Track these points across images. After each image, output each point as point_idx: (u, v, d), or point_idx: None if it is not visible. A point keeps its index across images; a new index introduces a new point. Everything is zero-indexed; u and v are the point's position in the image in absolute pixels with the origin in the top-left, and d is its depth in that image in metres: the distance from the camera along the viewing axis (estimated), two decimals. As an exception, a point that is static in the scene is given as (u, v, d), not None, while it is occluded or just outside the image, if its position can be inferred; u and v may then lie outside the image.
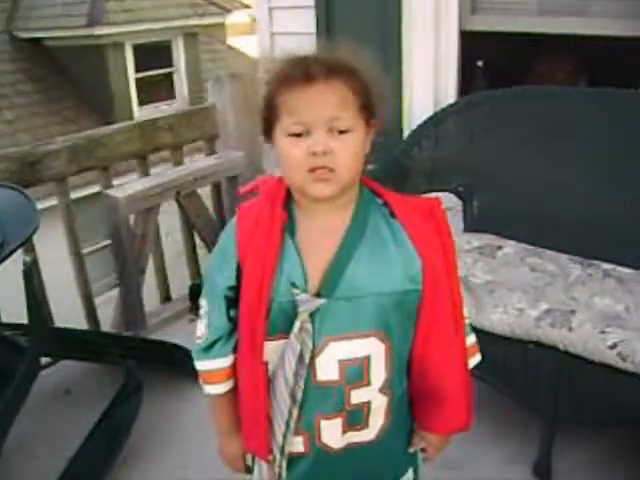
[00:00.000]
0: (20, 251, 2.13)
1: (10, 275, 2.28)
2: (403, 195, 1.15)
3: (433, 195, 1.35)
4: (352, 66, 1.05)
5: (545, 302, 1.95)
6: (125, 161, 3.18)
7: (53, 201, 2.92)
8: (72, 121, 8.91)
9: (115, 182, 3.02)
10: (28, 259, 2.36)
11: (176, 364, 2.48)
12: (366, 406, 1.13)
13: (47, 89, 9.20)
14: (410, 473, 1.27)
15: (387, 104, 1.10)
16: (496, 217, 2.48)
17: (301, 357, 1.07)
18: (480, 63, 3.57)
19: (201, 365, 1.21)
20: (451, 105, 2.72)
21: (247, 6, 11.39)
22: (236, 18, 12.08)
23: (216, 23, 10.93)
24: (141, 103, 9.72)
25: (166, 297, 3.40)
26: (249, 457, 1.28)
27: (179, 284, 3.49)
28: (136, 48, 9.55)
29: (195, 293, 3.24)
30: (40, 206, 2.26)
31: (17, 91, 8.88)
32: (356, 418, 1.14)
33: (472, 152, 2.55)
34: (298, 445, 1.15)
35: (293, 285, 1.07)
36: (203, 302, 1.19)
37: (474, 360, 1.22)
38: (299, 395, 1.09)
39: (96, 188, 3.13)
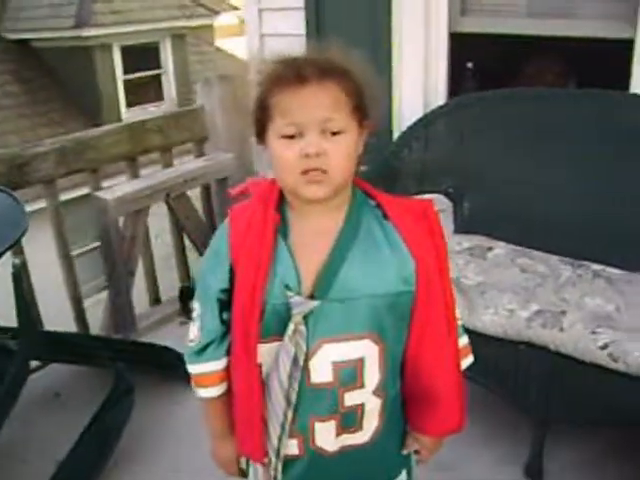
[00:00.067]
0: (9, 254, 2.11)
1: (-1, 278, 2.27)
2: (396, 196, 1.15)
3: (423, 197, 1.35)
4: (345, 67, 1.04)
5: (536, 303, 1.96)
6: (114, 163, 3.16)
7: (42, 203, 2.90)
8: (59, 123, 8.87)
9: (104, 184, 3.01)
10: (17, 262, 2.35)
11: (166, 367, 2.48)
12: (360, 408, 1.13)
13: (34, 90, 9.15)
14: (404, 475, 1.27)
15: (380, 105, 1.10)
16: (486, 218, 2.49)
17: (295, 359, 1.06)
18: (470, 65, 3.58)
19: (194, 368, 1.20)
20: (441, 107, 2.73)
21: (235, 8, 11.41)
22: (224, 20, 12.08)
23: (204, 25, 10.92)
24: (129, 105, 9.71)
25: (156, 299, 3.38)
26: (243, 460, 1.28)
27: (169, 286, 3.48)
28: (124, 50, 9.52)
29: (185, 295, 3.23)
30: (29, 208, 2.25)
31: (4, 92, 8.83)
32: (350, 420, 1.13)
33: (462, 154, 2.56)
34: (292, 448, 1.14)
35: (287, 287, 1.06)
36: (196, 305, 1.18)
37: (467, 361, 1.22)
38: (293, 397, 1.08)
39: (85, 190, 3.11)
